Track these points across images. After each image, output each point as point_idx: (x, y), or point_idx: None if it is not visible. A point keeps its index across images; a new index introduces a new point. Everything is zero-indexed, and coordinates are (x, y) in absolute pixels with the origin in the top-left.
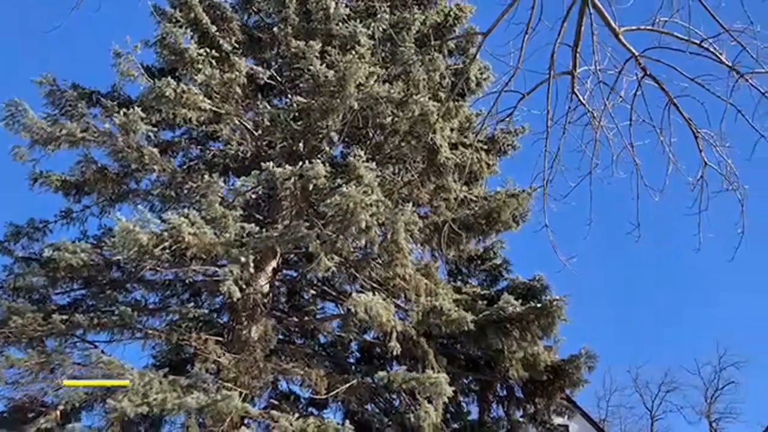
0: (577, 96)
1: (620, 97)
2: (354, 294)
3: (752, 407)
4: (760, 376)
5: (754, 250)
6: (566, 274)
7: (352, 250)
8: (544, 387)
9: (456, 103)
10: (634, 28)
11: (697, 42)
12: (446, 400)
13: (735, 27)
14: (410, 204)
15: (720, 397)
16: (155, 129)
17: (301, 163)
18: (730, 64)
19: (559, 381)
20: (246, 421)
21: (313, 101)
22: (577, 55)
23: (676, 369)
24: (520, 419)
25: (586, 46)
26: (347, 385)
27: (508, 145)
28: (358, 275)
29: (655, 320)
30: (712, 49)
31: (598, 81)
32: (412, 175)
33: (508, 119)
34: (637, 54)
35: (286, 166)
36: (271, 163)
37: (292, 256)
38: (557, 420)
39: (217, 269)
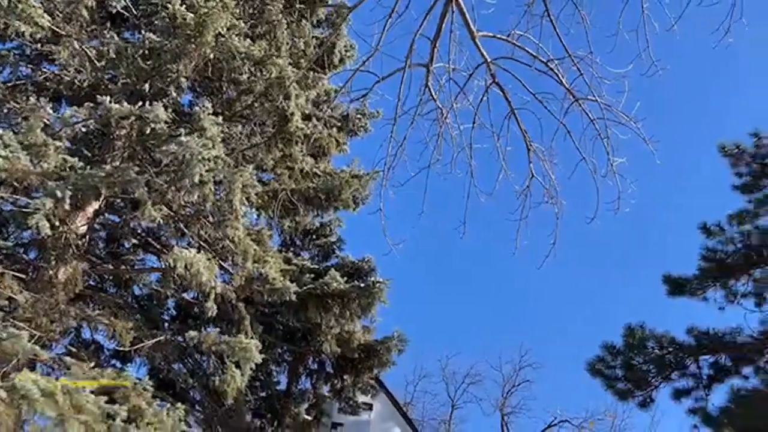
0: (429, 90)
1: (468, 99)
2: (176, 248)
3: (539, 405)
4: (550, 377)
5: (562, 263)
6: (403, 264)
7: (183, 204)
8: (354, 365)
9: (316, 74)
10: (490, 35)
11: (544, 60)
12: (255, 367)
13: (578, 53)
14: (252, 166)
15: (515, 392)
16: None
17: (141, 104)
18: (568, 87)
19: (370, 360)
20: (36, 365)
21: (167, 42)
22: (435, 49)
23: (481, 363)
24: (326, 393)
25: (446, 44)
26: (154, 340)
27: (360, 127)
28: (187, 231)
29: (474, 315)
30: (555, 70)
31: (449, 78)
32: (260, 139)
33: (362, 99)
34: (489, 60)
35: (125, 104)
36: (109, 98)
37: (118, 200)
38: (362, 398)
39: (29, 201)
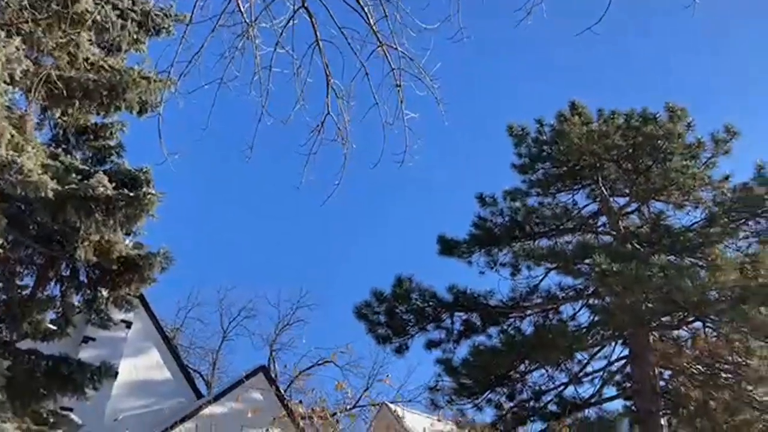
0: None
1: (274, 18)
2: None
3: (308, 344)
4: (321, 320)
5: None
6: (192, 187)
7: None
8: (112, 277)
9: None
10: None
11: None
12: None
13: None
14: (20, 40)
15: (287, 330)
16: None
17: None
18: (375, 29)
19: (129, 274)
20: None
21: None
22: None
23: (260, 298)
24: (77, 304)
25: None
26: None
27: (162, 27)
28: None
29: (259, 247)
30: (366, 9)
31: None
32: (42, 15)
33: None
34: None
35: None
36: None
37: None
38: (120, 314)
39: None
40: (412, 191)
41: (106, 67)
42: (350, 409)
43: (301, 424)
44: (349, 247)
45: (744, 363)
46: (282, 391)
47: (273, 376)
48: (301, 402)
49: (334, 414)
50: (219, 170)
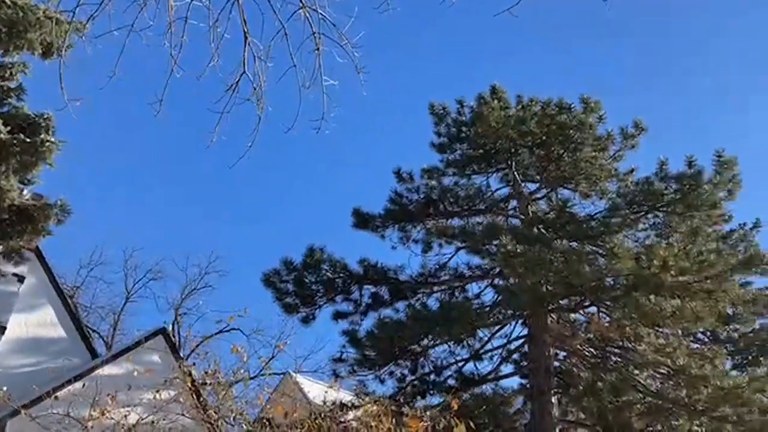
0: None
1: None
2: None
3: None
4: (231, 286)
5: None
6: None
7: None
8: (3, 227)
9: None
10: None
11: None
12: None
13: None
14: None
15: (194, 295)
16: None
17: None
18: None
19: (22, 225)
20: None
21: None
22: None
23: (167, 261)
24: None
25: None
26: None
27: None
28: None
29: (168, 208)
30: None
31: None
32: None
33: None
34: None
35: None
36: None
37: None
38: (11, 267)
39: None
40: (330, 160)
41: (8, 2)
42: (254, 377)
43: (190, 386)
44: (262, 214)
45: (632, 348)
46: (182, 356)
47: (176, 339)
48: (194, 365)
49: (232, 384)
50: (128, 124)
